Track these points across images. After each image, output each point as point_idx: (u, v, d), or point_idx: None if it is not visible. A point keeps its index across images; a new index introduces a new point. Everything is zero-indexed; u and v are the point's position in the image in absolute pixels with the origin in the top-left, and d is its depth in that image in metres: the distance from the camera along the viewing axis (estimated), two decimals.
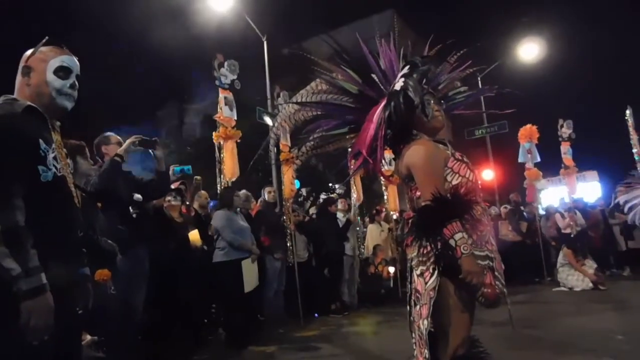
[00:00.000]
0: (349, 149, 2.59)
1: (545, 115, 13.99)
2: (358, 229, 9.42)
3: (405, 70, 2.34)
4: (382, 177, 9.11)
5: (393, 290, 8.69)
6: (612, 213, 10.34)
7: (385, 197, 9.88)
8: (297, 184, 10.43)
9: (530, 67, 17.70)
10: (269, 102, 11.93)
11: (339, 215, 8.56)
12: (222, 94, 7.45)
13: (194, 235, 5.67)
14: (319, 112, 2.68)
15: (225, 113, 7.43)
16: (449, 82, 2.66)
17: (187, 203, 6.08)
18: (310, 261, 8.01)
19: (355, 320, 7.16)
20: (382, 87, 2.45)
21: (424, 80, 2.35)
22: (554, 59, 17.48)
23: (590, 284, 8.27)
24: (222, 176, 7.22)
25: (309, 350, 5.33)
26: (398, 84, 2.32)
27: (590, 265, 8.55)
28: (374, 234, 9.35)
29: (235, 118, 7.50)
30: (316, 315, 7.59)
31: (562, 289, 8.55)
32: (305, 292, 7.67)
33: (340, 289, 8.18)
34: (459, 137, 17.04)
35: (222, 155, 7.32)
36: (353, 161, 2.48)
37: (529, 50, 16.79)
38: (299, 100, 2.75)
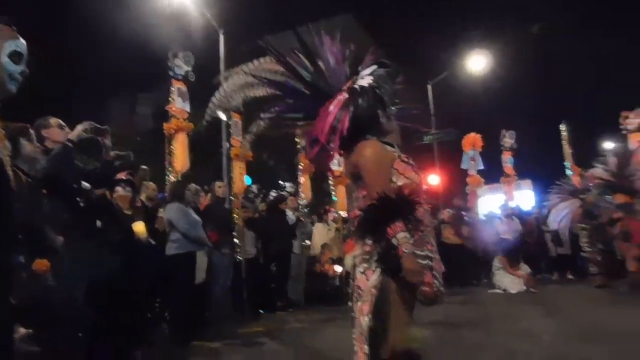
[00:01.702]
0: (303, 141, 2.57)
1: (489, 125, 14.52)
2: (308, 222, 9.44)
3: (373, 69, 2.36)
4: (330, 175, 9.18)
5: (339, 288, 8.75)
6: (545, 221, 10.83)
7: (334, 196, 9.96)
8: (248, 180, 10.32)
9: (478, 79, 18.29)
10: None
11: (289, 213, 8.54)
12: (175, 85, 7.27)
13: (139, 227, 5.48)
14: (272, 92, 2.62)
15: (178, 104, 7.25)
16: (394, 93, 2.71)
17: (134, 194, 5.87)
18: (257, 258, 7.94)
19: (301, 317, 7.16)
20: (330, 79, 2.45)
21: (384, 83, 2.39)
22: (501, 72, 18.13)
23: (523, 287, 8.64)
24: (171, 169, 7.04)
25: (253, 346, 5.28)
26: (364, 81, 2.34)
27: (524, 269, 8.94)
28: (322, 232, 9.39)
29: (188, 110, 7.33)
30: (262, 311, 7.53)
31: (497, 291, 8.89)
32: (252, 288, 7.61)
33: (287, 286, 8.16)
34: (407, 141, 17.38)
35: (172, 147, 7.14)
36: (309, 148, 2.46)
37: (478, 62, 17.34)
38: (249, 72, 2.68)
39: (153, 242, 5.50)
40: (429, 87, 17.09)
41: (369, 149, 2.29)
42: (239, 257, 7.60)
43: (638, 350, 3.95)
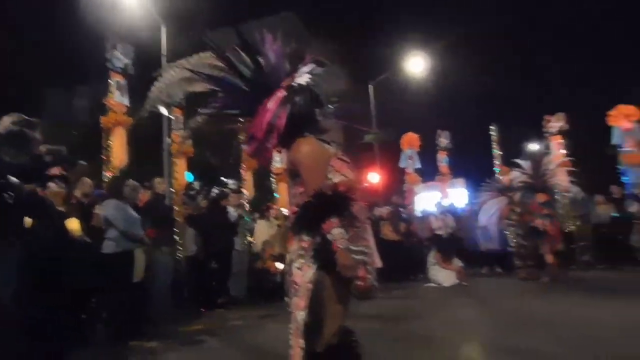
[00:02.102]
0: (241, 138, 2.56)
1: (426, 125, 14.99)
2: (248, 221, 9.37)
3: (311, 67, 2.39)
4: (271, 172, 9.17)
5: (281, 285, 8.74)
6: (476, 218, 11.31)
7: (277, 193, 9.95)
8: (189, 176, 10.12)
9: (417, 80, 18.81)
10: None
11: (231, 210, 8.45)
12: (114, 78, 7.01)
13: (73, 224, 5.24)
14: (211, 88, 2.60)
15: (116, 98, 7.01)
16: (334, 90, 2.74)
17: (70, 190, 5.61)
18: (198, 255, 7.81)
19: (242, 314, 7.11)
20: (269, 77, 2.47)
21: (321, 82, 2.42)
22: (438, 75, 18.73)
23: (456, 280, 9.01)
24: (109, 164, 6.79)
25: (193, 345, 5.19)
26: (302, 79, 2.37)
27: (456, 264, 9.33)
28: (264, 229, 9.35)
29: (127, 104, 7.09)
30: (202, 309, 7.42)
31: (432, 284, 9.22)
32: (193, 286, 7.47)
33: (228, 283, 8.08)
34: (350, 138, 17.64)
35: (110, 142, 6.89)
36: (247, 145, 2.46)
37: (417, 64, 17.83)
38: (188, 66, 2.64)
39: (88, 240, 5.29)
40: (370, 87, 17.42)
41: (306, 146, 2.32)
42: (179, 254, 7.44)
43: (558, 336, 4.24)
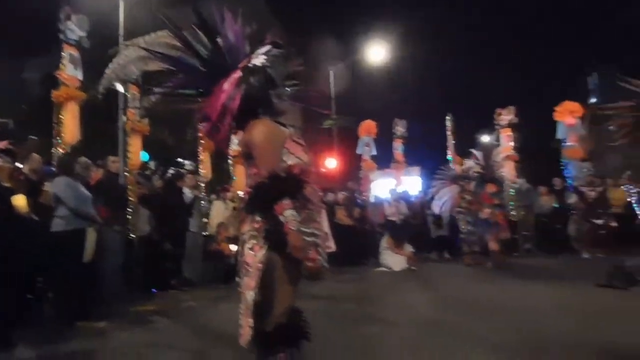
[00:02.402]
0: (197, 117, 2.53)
1: (384, 113, 15.16)
2: (203, 203, 9.30)
3: (267, 48, 2.39)
4: (228, 154, 9.06)
5: (234, 267, 8.74)
6: (428, 205, 11.64)
7: (234, 176, 9.88)
8: (144, 156, 9.90)
9: (378, 69, 18.98)
10: None
11: (186, 191, 8.35)
12: (66, 50, 6.72)
13: (19, 200, 5.05)
14: (166, 67, 2.57)
15: (69, 71, 6.72)
16: (294, 74, 2.75)
17: (18, 166, 5.40)
18: (152, 236, 7.70)
19: (195, 295, 7.09)
20: (227, 58, 2.46)
21: (279, 64, 2.42)
22: (398, 64, 18.98)
23: (406, 265, 9.28)
24: (60, 140, 6.55)
25: (144, 325, 5.15)
26: (257, 60, 2.36)
27: (407, 249, 9.59)
28: (219, 211, 9.30)
29: (81, 78, 6.83)
30: (155, 290, 7.35)
31: (383, 269, 9.45)
32: (145, 267, 7.37)
33: (182, 264, 8.01)
34: (309, 123, 17.66)
35: (61, 116, 6.63)
36: (200, 126, 2.46)
37: (378, 53, 17.96)
38: (144, 46, 2.61)
39: (36, 218, 5.12)
40: (331, 72, 17.43)
41: (260, 128, 2.32)
42: (132, 234, 7.31)
43: (497, 318, 4.47)
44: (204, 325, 5.05)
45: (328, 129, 18.12)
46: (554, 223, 11.63)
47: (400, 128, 13.59)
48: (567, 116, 11.85)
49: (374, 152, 13.30)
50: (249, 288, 2.21)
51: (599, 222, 9.63)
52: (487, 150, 10.56)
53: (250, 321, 2.19)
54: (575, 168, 11.37)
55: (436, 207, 10.60)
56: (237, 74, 2.37)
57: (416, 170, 17.91)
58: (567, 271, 7.84)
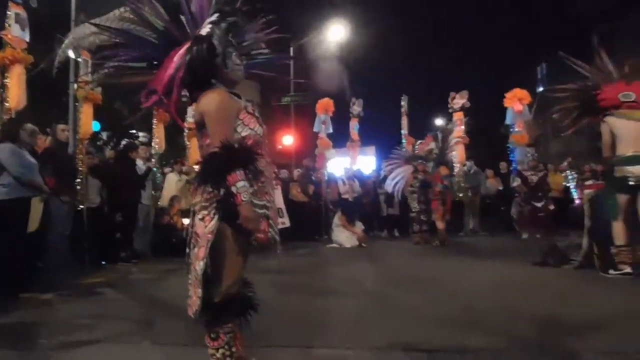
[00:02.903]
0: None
1: (341, 92, 15.23)
2: (159, 176, 9.14)
3: (214, 17, 2.35)
4: (183, 126, 8.88)
5: (186, 241, 8.66)
6: (380, 184, 11.88)
7: (188, 149, 9.74)
8: (96, 125, 9.57)
9: (337, 47, 18.92)
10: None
11: (139, 162, 8.17)
12: (12, 9, 6.36)
13: None
14: (118, 41, 2.50)
15: (15, 32, 6.38)
16: (254, 41, 2.70)
17: None
18: (102, 207, 7.52)
19: (145, 268, 7.02)
20: (188, 29, 2.41)
21: (231, 32, 2.39)
22: (357, 44, 18.97)
23: (357, 242, 9.49)
24: (4, 105, 6.25)
25: (90, 296, 5.07)
26: (204, 30, 2.32)
27: (359, 227, 9.80)
28: (172, 184, 9.17)
29: (28, 40, 6.49)
30: (103, 262, 7.22)
31: (335, 245, 9.63)
32: (94, 238, 7.21)
33: (133, 237, 7.88)
34: (267, 100, 17.49)
35: (6, 80, 6.31)
36: (145, 98, 2.41)
37: (338, 31, 17.89)
38: (100, 24, 2.53)
39: None
40: (291, 49, 17.24)
41: (213, 97, 2.28)
42: (81, 205, 7.12)
43: (437, 291, 4.69)
44: (153, 297, 5.02)
45: (285, 106, 18.00)
46: (498, 205, 12.17)
47: (357, 107, 13.70)
48: (516, 103, 12.28)
49: (330, 130, 13.38)
50: (198, 259, 2.21)
51: (539, 204, 10.13)
52: (446, 133, 10.85)
53: (199, 292, 2.20)
54: (520, 153, 11.86)
55: (389, 187, 10.83)
56: (188, 44, 2.34)
57: (371, 149, 18.15)
58: (507, 250, 8.25)
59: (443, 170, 10.30)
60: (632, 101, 5.28)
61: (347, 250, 9.16)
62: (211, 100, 2.27)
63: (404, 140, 13.56)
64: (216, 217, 2.20)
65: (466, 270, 6.34)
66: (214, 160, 2.19)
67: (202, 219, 2.24)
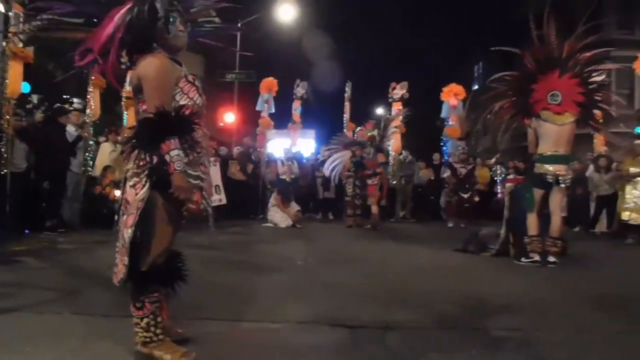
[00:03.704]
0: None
1: (287, 72, 15.11)
2: (91, 144, 8.73)
3: None
4: (121, 93, 8.48)
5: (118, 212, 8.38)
6: (319, 167, 12.00)
7: (125, 118, 9.35)
8: (26, 87, 8.94)
9: (287, 27, 18.73)
10: None
11: (70, 128, 7.76)
12: None
13: None
14: None
15: None
16: (202, 9, 2.60)
17: None
18: (28, 172, 7.11)
19: (72, 238, 6.73)
20: None
21: None
22: (306, 27, 18.86)
23: (291, 223, 9.56)
24: None
25: (10, 265, 4.79)
26: None
27: (294, 208, 9.87)
28: (106, 153, 8.79)
29: None
30: (27, 231, 6.85)
31: (270, 225, 9.66)
32: (18, 205, 6.82)
33: (61, 206, 7.52)
34: (211, 76, 17.06)
35: None
36: (79, 57, 2.29)
37: (287, 12, 17.69)
38: None
39: None
40: (238, 26, 16.83)
41: (152, 60, 2.21)
42: (5, 169, 6.69)
43: (362, 272, 4.86)
44: (78, 268, 4.84)
45: (229, 83, 17.65)
46: (429, 194, 12.67)
47: (300, 89, 13.67)
48: (452, 97, 12.75)
49: (273, 110, 13.29)
50: (127, 226, 2.17)
51: (465, 196, 10.66)
52: (387, 122, 11.08)
53: (125, 259, 2.16)
54: (452, 146, 12.37)
55: (327, 170, 10.96)
56: (129, 4, 2.24)
57: (312, 133, 18.23)
58: (434, 237, 8.62)
59: (380, 158, 10.57)
60: (558, 104, 5.64)
61: (281, 229, 9.22)
62: (150, 64, 2.20)
63: (345, 125, 13.73)
64: (148, 184, 2.15)
65: (394, 253, 6.60)
66: (147, 126, 2.13)
67: (133, 186, 2.18)
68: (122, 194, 2.27)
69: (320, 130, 18.21)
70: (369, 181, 9.83)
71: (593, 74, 5.83)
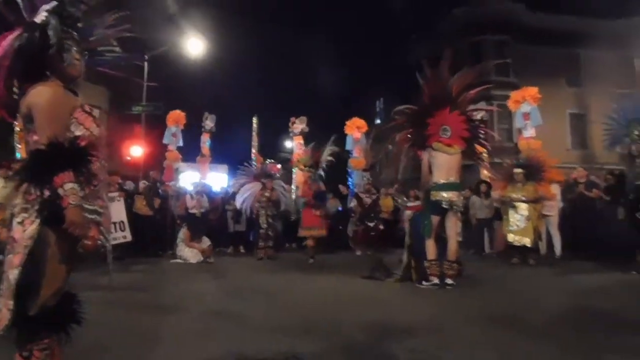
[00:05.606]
0: None
1: (195, 105, 14.91)
2: None
3: (52, 5, 2.16)
4: (11, 121, 7.80)
5: None
6: (229, 200, 11.79)
7: (18, 152, 8.58)
8: None
9: (195, 60, 18.50)
10: None
11: None
12: None
13: None
14: None
15: None
16: (102, 37, 2.49)
17: None
18: None
19: None
20: (24, 14, 2.19)
21: (71, 23, 2.21)
22: (214, 60, 18.79)
23: (202, 258, 9.22)
24: None
25: None
26: (39, 17, 2.13)
27: (205, 242, 9.54)
28: None
29: None
30: None
31: (179, 261, 9.23)
32: None
33: None
34: (117, 108, 16.29)
35: None
36: None
37: (195, 45, 17.49)
38: None
39: None
40: (146, 57, 16.33)
41: (45, 90, 2.09)
42: None
43: (270, 303, 4.80)
44: None
45: (136, 116, 16.95)
46: (337, 224, 12.91)
47: (209, 122, 13.51)
48: (355, 130, 13.28)
49: (181, 144, 12.97)
50: (12, 266, 1.97)
51: (371, 224, 11.01)
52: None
53: (10, 304, 1.95)
54: (357, 176, 12.81)
55: (238, 202, 10.78)
56: (19, 30, 2.12)
57: (224, 167, 17.98)
58: (342, 265, 8.73)
59: (288, 190, 10.64)
60: (448, 138, 6.12)
61: (191, 265, 8.85)
62: (42, 93, 2.08)
63: (253, 158, 13.72)
64: (37, 220, 1.99)
65: (303, 283, 6.60)
66: (39, 158, 2.00)
67: (21, 222, 2.01)
68: (8, 231, 2.07)
69: (232, 165, 18.04)
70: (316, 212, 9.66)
71: (474, 113, 6.51)
